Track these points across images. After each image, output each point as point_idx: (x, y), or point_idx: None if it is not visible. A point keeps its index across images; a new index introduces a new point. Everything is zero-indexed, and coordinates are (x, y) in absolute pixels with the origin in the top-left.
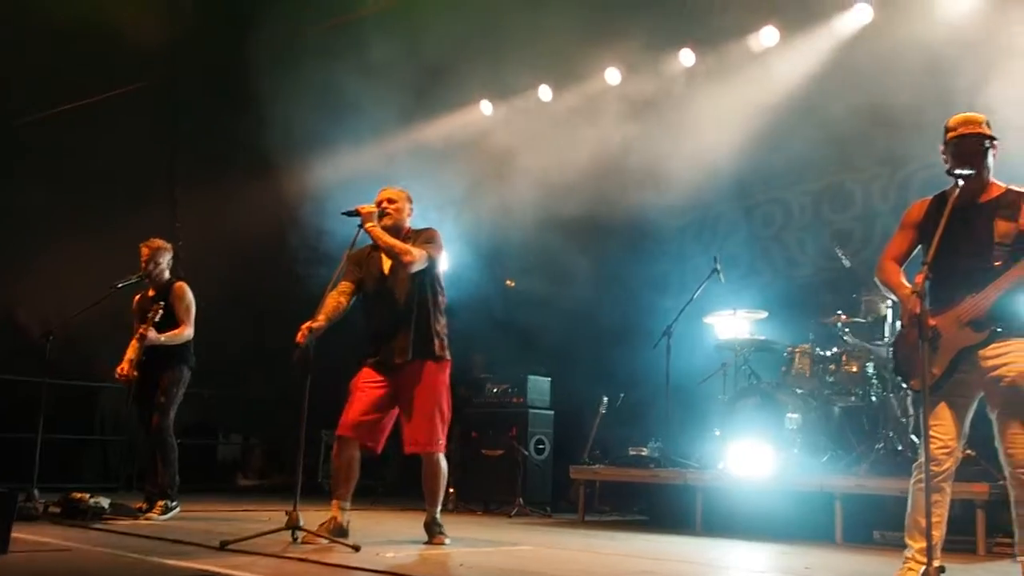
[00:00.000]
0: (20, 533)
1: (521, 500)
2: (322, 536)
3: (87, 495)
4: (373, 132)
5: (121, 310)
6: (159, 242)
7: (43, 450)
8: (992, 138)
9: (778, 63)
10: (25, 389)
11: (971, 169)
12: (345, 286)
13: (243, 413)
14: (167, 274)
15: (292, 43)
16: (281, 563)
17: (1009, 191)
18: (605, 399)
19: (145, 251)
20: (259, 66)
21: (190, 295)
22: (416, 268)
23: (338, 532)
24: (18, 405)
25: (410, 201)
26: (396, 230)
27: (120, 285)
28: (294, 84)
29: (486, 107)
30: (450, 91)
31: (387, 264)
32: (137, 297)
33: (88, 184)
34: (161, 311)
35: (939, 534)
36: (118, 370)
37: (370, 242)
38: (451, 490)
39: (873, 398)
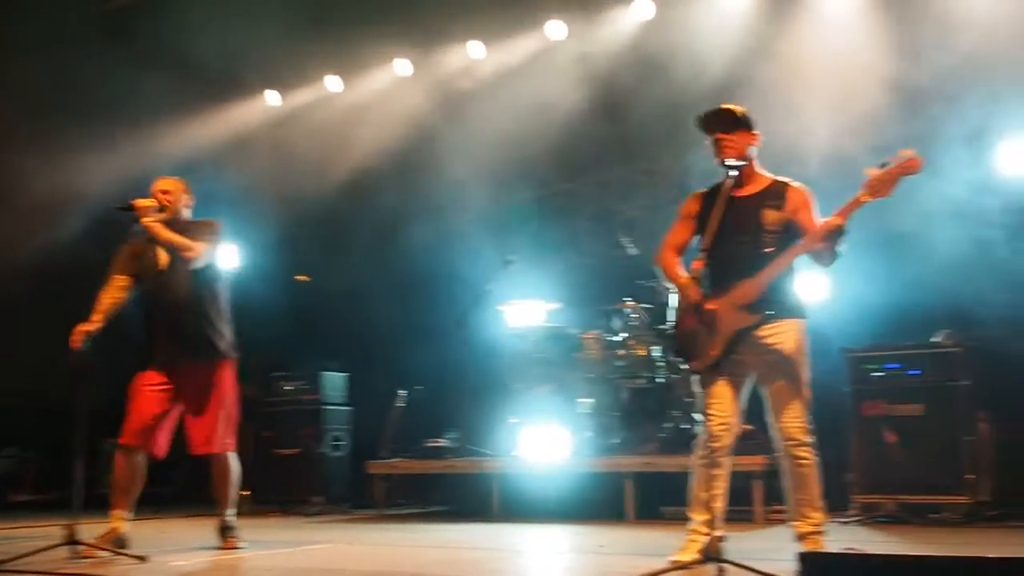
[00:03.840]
0: None
1: (320, 499)
2: (103, 548)
3: None
4: (154, 122)
5: None
6: None
7: None
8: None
9: (566, 55)
10: None
11: (741, 160)
12: (122, 280)
13: (18, 424)
14: None
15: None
16: None
17: (776, 182)
18: (402, 392)
19: None
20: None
21: None
22: (200, 264)
23: (119, 543)
24: None
25: (187, 192)
26: (172, 223)
27: None
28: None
29: (273, 97)
30: (237, 81)
31: (164, 259)
32: None
33: None
34: None
35: (720, 506)
36: None
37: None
38: (246, 492)
39: (660, 380)
